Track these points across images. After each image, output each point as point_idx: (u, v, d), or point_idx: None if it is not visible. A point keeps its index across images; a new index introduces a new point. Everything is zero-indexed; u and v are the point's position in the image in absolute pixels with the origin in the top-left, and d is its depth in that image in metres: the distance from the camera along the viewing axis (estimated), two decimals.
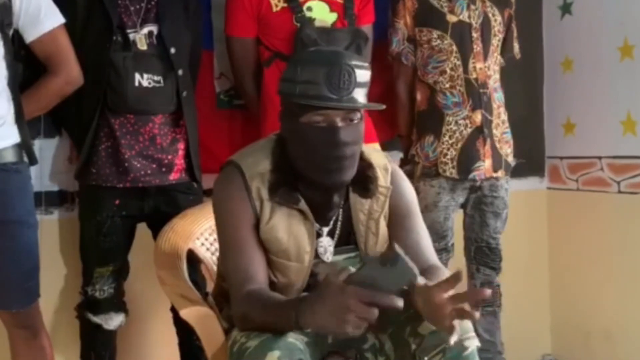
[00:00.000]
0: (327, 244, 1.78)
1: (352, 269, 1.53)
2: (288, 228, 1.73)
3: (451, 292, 1.50)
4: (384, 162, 1.85)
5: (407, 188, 1.88)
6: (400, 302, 1.40)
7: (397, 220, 1.83)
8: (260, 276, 1.70)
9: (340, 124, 1.66)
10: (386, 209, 1.81)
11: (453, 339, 1.52)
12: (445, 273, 1.75)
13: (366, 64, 1.69)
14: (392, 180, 1.84)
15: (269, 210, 1.72)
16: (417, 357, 1.65)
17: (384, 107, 1.84)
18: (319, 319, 1.44)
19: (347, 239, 1.81)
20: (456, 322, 1.50)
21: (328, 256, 1.78)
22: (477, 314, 1.50)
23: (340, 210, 1.80)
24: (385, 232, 1.82)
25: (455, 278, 1.51)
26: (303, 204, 1.73)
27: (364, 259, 1.74)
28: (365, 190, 1.78)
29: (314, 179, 1.70)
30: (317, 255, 1.77)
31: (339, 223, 1.80)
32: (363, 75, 1.66)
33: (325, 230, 1.79)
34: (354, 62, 1.65)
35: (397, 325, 1.61)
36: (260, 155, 1.76)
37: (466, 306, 1.49)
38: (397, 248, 1.46)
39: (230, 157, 1.80)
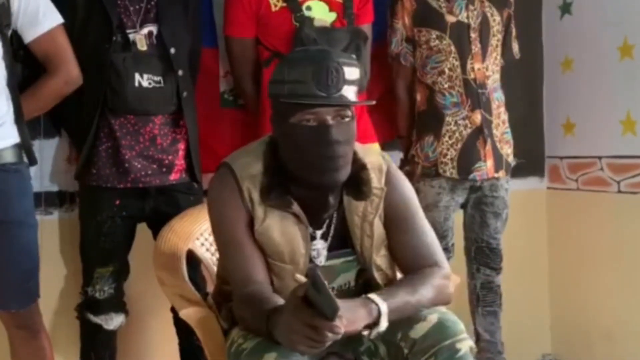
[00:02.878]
0: (320, 246, 1.76)
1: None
2: (282, 230, 1.71)
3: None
4: (379, 163, 1.81)
5: (405, 187, 1.84)
6: (339, 330, 1.38)
7: (395, 221, 1.80)
8: (259, 274, 1.69)
9: (331, 122, 1.64)
10: (381, 210, 1.78)
11: None
12: (438, 276, 1.73)
13: (355, 61, 1.66)
14: (388, 180, 1.80)
15: (263, 212, 1.70)
16: None
17: (374, 102, 1.81)
18: (279, 335, 1.46)
19: (342, 242, 1.78)
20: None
21: (321, 259, 1.76)
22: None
23: (334, 213, 1.77)
24: (381, 233, 1.79)
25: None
26: (296, 207, 1.70)
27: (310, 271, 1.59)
28: (359, 193, 1.75)
29: (308, 179, 1.68)
30: (311, 259, 1.75)
31: (333, 226, 1.78)
32: (352, 72, 1.64)
33: (319, 233, 1.77)
34: (341, 60, 1.63)
35: (388, 330, 1.60)
36: (253, 157, 1.74)
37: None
38: (316, 273, 1.38)
39: (224, 159, 1.79)
